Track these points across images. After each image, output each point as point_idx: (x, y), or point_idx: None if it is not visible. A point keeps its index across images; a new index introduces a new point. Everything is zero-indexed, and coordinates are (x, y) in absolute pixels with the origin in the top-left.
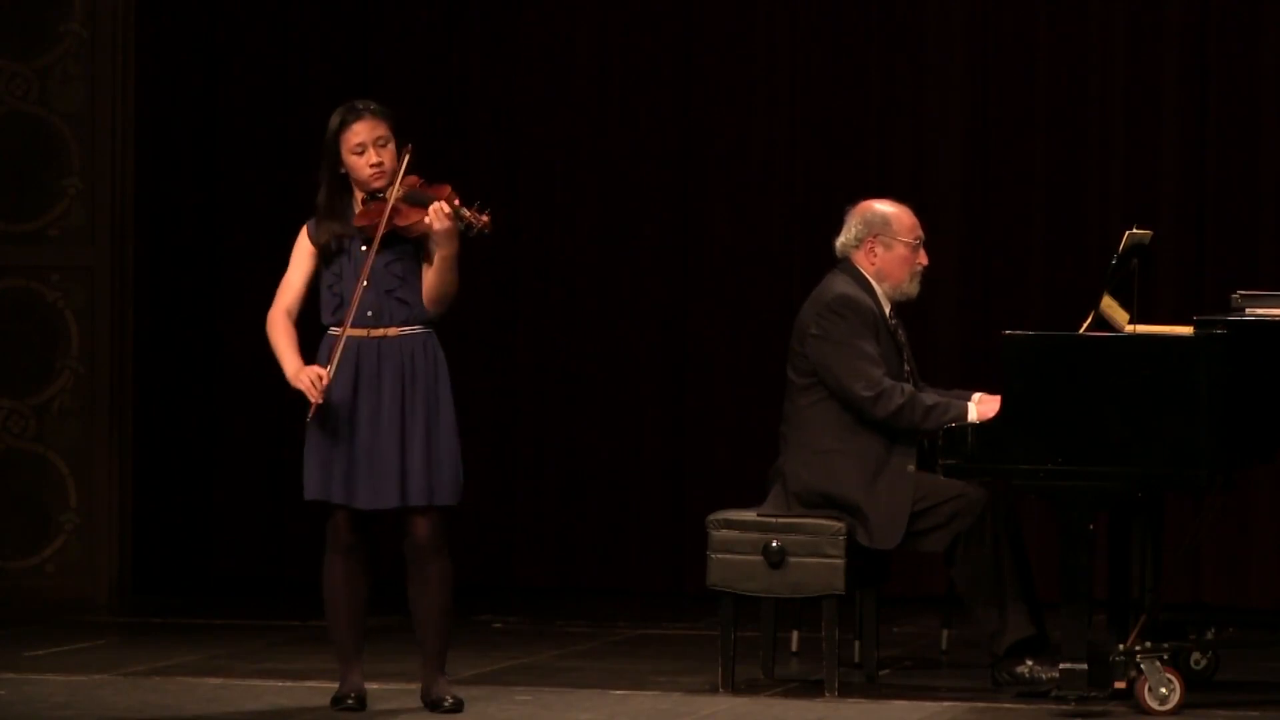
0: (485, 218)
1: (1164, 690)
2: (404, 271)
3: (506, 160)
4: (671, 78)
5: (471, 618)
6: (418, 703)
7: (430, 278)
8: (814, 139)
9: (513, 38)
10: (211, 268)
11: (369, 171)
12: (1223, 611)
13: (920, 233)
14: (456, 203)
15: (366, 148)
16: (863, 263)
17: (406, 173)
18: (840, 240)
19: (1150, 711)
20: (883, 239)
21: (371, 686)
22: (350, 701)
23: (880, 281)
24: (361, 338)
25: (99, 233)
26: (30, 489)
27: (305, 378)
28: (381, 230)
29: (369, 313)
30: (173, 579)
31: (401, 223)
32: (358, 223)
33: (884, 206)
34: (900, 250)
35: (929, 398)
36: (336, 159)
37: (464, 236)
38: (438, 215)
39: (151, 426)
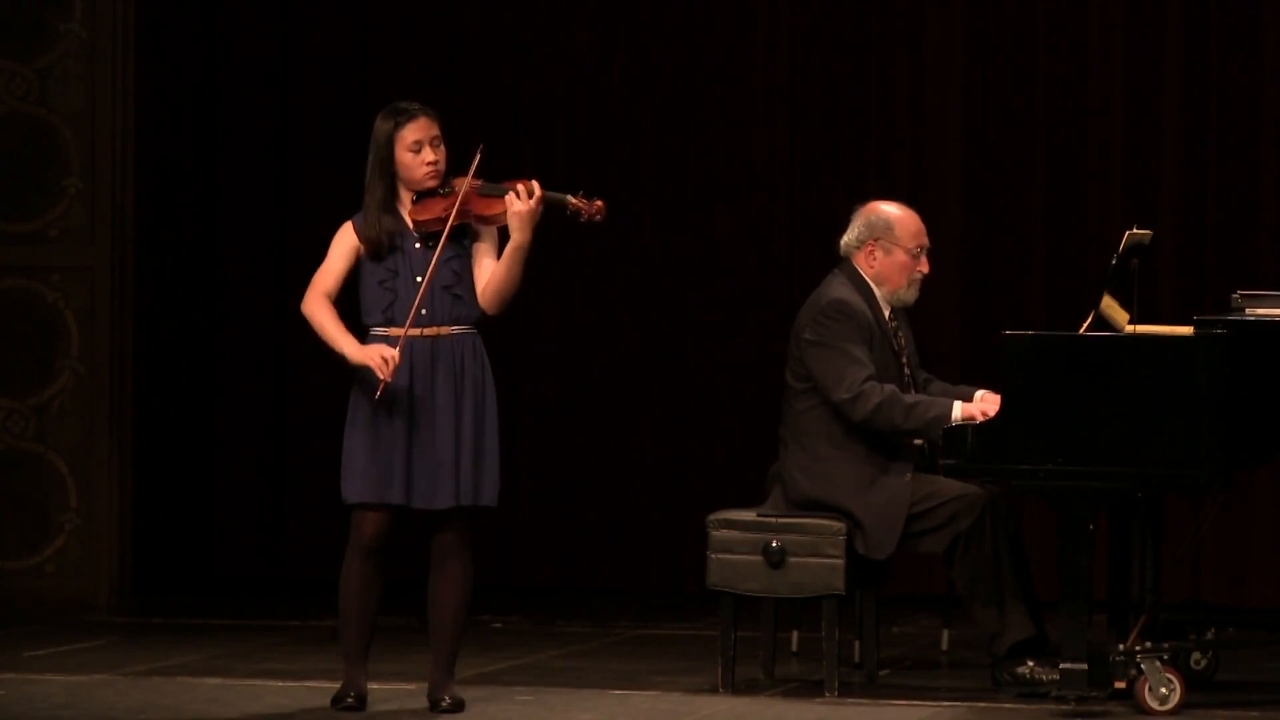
0: (599, 203)
1: (1164, 690)
2: (460, 268)
3: (507, 160)
4: (671, 77)
5: (472, 618)
6: (418, 703)
7: (498, 272)
8: (814, 139)
9: (513, 37)
10: (211, 268)
11: (425, 170)
12: (1223, 611)
13: (924, 240)
14: (529, 188)
15: (423, 145)
16: (862, 265)
17: (475, 173)
18: (844, 240)
19: (1150, 711)
20: (884, 243)
21: (371, 686)
22: (350, 701)
23: (878, 285)
24: (415, 337)
25: (99, 233)
26: (30, 489)
27: (376, 355)
28: (453, 221)
29: (424, 311)
30: (173, 579)
31: (485, 212)
32: (417, 217)
33: (890, 210)
34: (900, 257)
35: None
36: (390, 158)
37: (572, 223)
38: (521, 197)
39: (151, 426)
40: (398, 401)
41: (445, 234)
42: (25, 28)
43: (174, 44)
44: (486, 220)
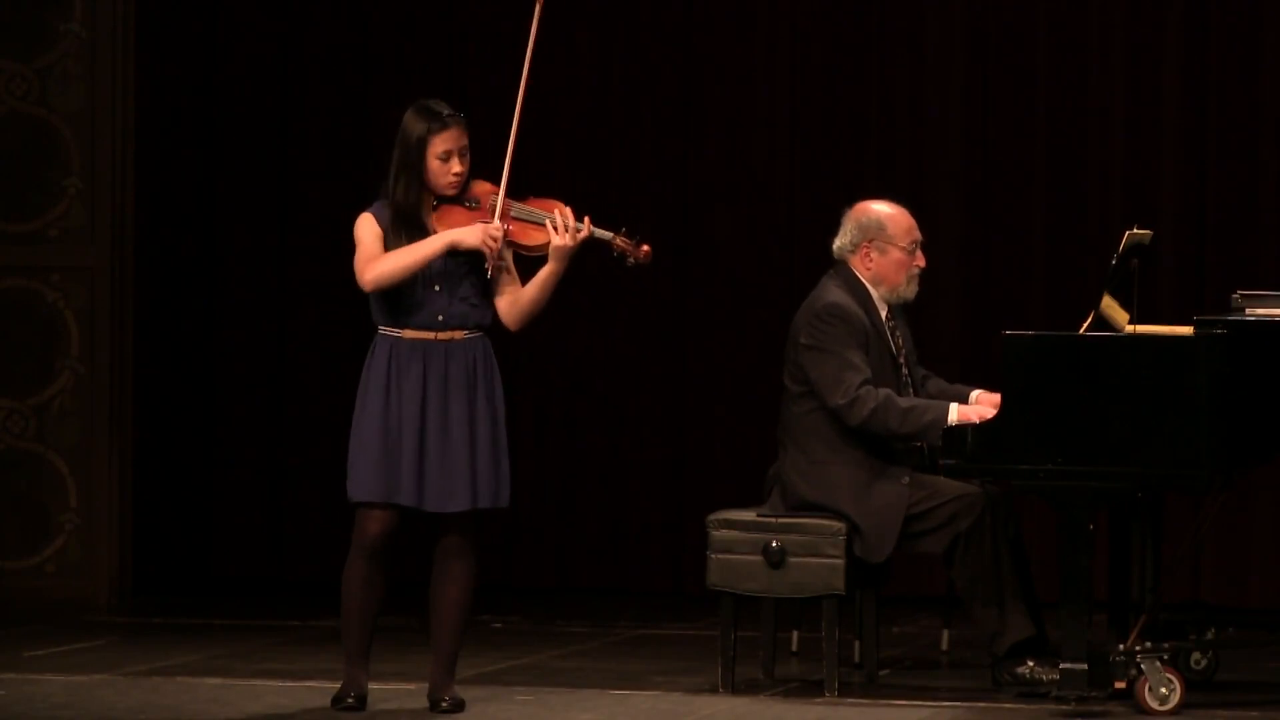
0: (645, 248)
1: (1164, 690)
2: (478, 278)
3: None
4: (672, 78)
5: (472, 618)
6: (418, 703)
7: (529, 293)
8: (814, 139)
9: (513, 36)
10: (211, 267)
11: (449, 179)
12: (1223, 611)
13: (917, 235)
14: (576, 221)
15: (452, 155)
16: (859, 267)
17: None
18: (837, 244)
19: (1150, 711)
20: (878, 244)
21: (371, 686)
22: (350, 700)
23: (876, 285)
24: (429, 341)
25: (99, 233)
26: (30, 489)
27: (484, 235)
28: (496, 257)
29: (440, 317)
30: (173, 579)
31: (527, 242)
32: (439, 228)
33: (880, 209)
34: (896, 255)
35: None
36: (420, 161)
37: (618, 266)
38: (570, 234)
39: (151, 426)
40: (411, 405)
41: (491, 267)
42: (25, 28)
43: (174, 44)
44: (523, 249)
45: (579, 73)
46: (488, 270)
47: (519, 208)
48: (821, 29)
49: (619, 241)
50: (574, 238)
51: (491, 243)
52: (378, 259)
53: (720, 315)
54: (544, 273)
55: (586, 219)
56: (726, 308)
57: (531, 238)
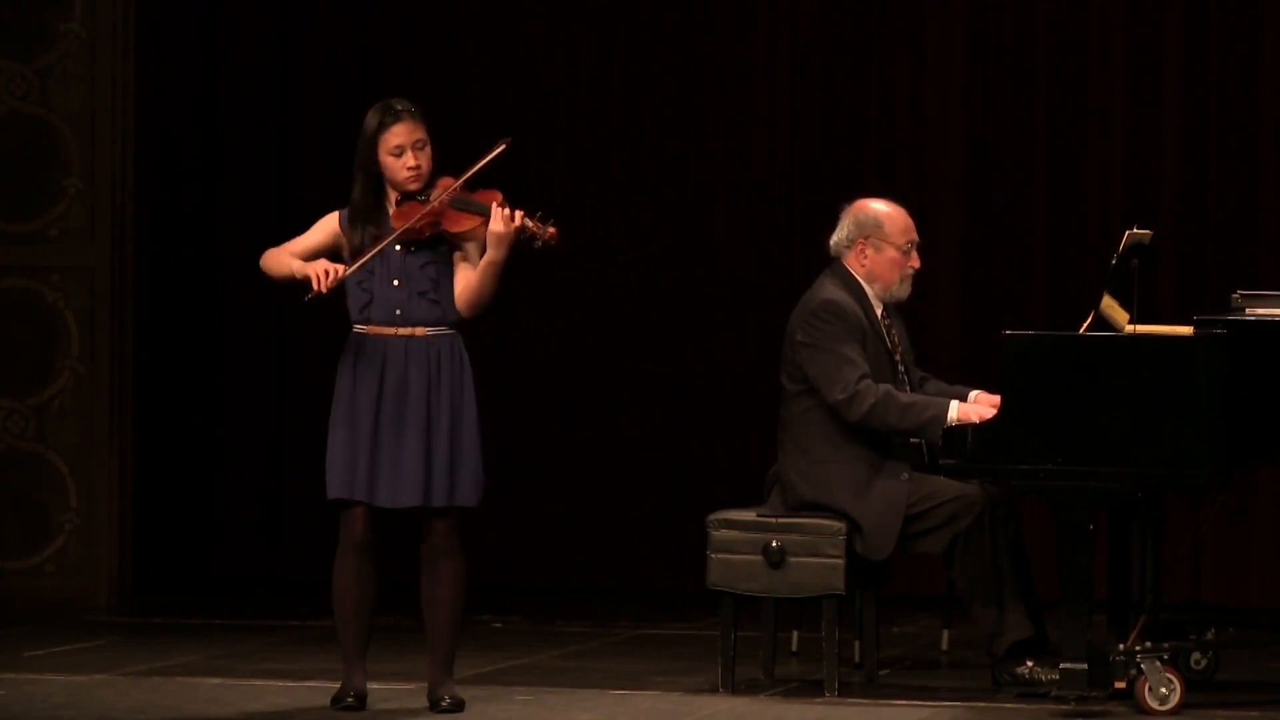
0: (552, 229)
1: (1164, 690)
2: (437, 274)
3: (507, 161)
4: (672, 78)
5: (471, 618)
6: (418, 702)
7: (473, 283)
8: (814, 139)
9: (513, 35)
10: (211, 267)
11: (405, 174)
12: (1223, 611)
13: (913, 235)
14: (510, 210)
15: (405, 150)
16: (853, 264)
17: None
18: (833, 240)
19: (1150, 711)
20: (874, 241)
21: (371, 686)
22: (350, 700)
23: (870, 283)
24: (389, 336)
25: (99, 233)
26: (30, 489)
27: (320, 266)
28: (414, 232)
29: (398, 311)
30: (173, 579)
31: (455, 229)
32: (395, 224)
33: (878, 207)
34: (890, 253)
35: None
36: (373, 158)
37: (525, 248)
38: (502, 221)
39: (151, 426)
40: (369, 401)
41: (395, 238)
42: (25, 28)
43: (174, 44)
44: (456, 237)
45: (579, 73)
46: (308, 298)
47: (459, 198)
48: (821, 29)
49: (529, 224)
50: (506, 224)
51: (322, 275)
52: (278, 251)
53: (720, 315)
54: (484, 260)
55: (500, 193)
56: (726, 308)
57: (460, 224)
